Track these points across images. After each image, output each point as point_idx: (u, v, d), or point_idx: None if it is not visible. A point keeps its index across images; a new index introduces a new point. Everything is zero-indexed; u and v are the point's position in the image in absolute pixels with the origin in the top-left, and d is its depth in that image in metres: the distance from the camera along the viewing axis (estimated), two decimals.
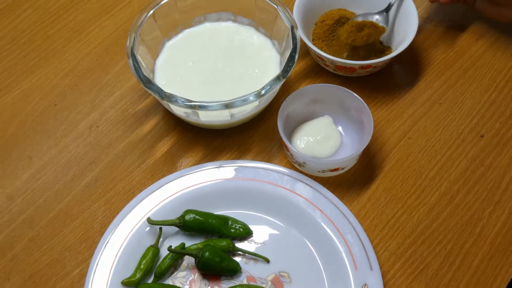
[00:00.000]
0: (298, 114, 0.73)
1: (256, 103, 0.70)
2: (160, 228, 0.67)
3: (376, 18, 0.78)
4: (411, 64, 0.81)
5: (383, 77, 0.80)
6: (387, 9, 0.78)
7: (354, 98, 0.70)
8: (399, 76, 0.81)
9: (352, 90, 0.70)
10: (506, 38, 0.82)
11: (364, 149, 0.68)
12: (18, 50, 0.85)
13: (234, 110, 0.70)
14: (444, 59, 0.82)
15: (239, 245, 0.68)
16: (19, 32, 0.87)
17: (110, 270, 0.65)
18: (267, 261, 0.67)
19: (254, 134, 0.77)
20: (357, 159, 0.71)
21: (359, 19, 0.77)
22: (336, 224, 0.67)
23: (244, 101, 0.67)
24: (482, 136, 0.75)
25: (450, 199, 0.71)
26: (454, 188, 0.72)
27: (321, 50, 0.77)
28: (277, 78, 0.69)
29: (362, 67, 0.75)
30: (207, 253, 0.64)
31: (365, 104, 0.69)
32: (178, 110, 0.71)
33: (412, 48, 0.82)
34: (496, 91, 0.79)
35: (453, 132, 0.76)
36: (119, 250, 0.66)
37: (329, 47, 0.80)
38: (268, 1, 0.76)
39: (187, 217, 0.67)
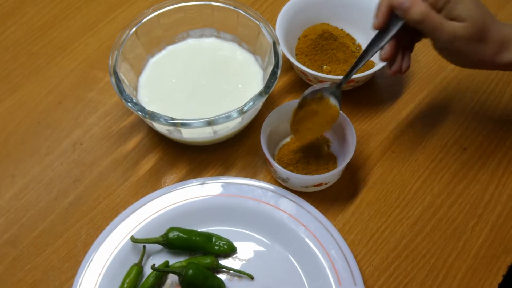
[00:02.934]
0: (281, 130, 0.73)
1: (239, 119, 0.70)
2: (144, 246, 0.67)
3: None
4: (394, 78, 0.82)
5: (366, 92, 0.80)
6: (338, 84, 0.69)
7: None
8: (382, 90, 0.81)
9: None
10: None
11: (348, 164, 0.68)
12: (1, 68, 0.85)
13: (217, 127, 0.70)
14: (427, 73, 0.82)
15: (223, 262, 0.68)
16: (2, 50, 0.87)
17: None
18: (251, 277, 0.67)
19: (238, 149, 0.77)
20: (340, 174, 0.71)
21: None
22: (320, 239, 0.67)
23: (227, 118, 0.68)
24: (465, 149, 0.76)
25: (434, 213, 0.71)
26: (437, 202, 0.72)
27: (304, 65, 0.77)
28: (260, 94, 0.69)
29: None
30: (190, 271, 0.64)
31: (348, 119, 0.69)
32: (161, 128, 0.71)
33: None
34: (478, 104, 0.79)
35: (436, 145, 0.76)
36: (103, 268, 0.66)
37: (313, 62, 0.80)
38: (250, 17, 0.76)
39: (171, 235, 0.67)
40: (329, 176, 0.68)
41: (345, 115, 0.70)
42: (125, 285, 0.65)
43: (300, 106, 0.68)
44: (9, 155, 0.77)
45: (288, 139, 0.75)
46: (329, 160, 0.72)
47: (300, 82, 0.82)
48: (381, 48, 0.65)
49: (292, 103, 0.71)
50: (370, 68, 0.76)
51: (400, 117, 0.79)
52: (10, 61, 0.86)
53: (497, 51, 0.62)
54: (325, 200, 0.72)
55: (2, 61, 0.86)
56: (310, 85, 0.80)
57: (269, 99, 0.79)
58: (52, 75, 0.84)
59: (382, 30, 0.64)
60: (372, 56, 0.65)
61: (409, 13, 0.61)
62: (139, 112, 0.68)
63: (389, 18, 0.63)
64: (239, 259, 0.68)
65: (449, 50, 0.63)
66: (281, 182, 0.72)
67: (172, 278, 0.67)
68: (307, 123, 0.69)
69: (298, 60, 0.79)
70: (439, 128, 0.78)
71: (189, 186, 0.71)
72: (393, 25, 0.63)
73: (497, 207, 0.71)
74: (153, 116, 0.67)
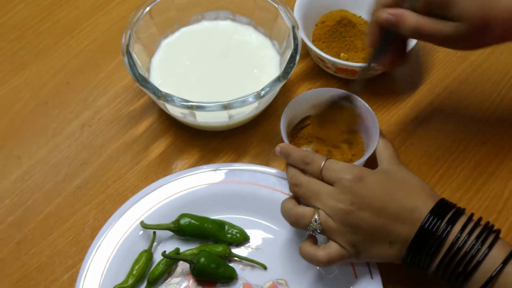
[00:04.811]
0: (298, 119, 0.71)
1: (255, 104, 0.68)
2: (154, 233, 0.65)
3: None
4: (413, 68, 0.80)
5: (384, 81, 0.78)
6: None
7: (360, 104, 0.68)
8: (401, 80, 0.79)
9: (352, 94, 0.68)
10: (509, 42, 0.80)
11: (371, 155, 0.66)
12: (8, 46, 0.82)
13: (233, 112, 0.67)
14: (447, 64, 0.80)
15: (235, 250, 0.66)
16: (9, 28, 0.84)
17: (101, 275, 0.62)
18: (264, 268, 0.65)
19: (252, 136, 0.74)
20: (363, 164, 0.69)
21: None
22: None
23: (243, 102, 0.65)
24: (485, 143, 0.74)
25: None
26: (456, 196, 0.70)
27: (322, 51, 0.75)
28: (278, 79, 0.67)
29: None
30: (202, 259, 0.62)
31: (371, 110, 0.67)
32: (175, 111, 0.69)
33: (414, 52, 0.80)
34: (499, 97, 0.77)
35: (455, 139, 0.74)
36: (111, 254, 0.64)
37: (330, 49, 0.78)
38: (269, 0, 0.74)
39: (182, 221, 0.65)
40: (355, 165, 0.66)
41: (368, 106, 0.67)
42: (134, 272, 0.63)
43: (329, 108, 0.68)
44: (15, 136, 0.74)
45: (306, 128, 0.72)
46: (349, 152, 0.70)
47: (316, 69, 0.80)
48: (380, 61, 0.63)
49: (310, 92, 0.69)
50: None
51: (418, 108, 0.77)
52: (16, 39, 0.83)
53: (508, 28, 0.58)
54: None
55: (8, 40, 0.83)
56: (327, 73, 0.78)
57: (284, 86, 0.77)
58: (60, 55, 0.82)
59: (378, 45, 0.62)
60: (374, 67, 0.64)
61: (400, 28, 0.58)
62: (153, 93, 0.66)
63: (381, 34, 0.61)
64: (252, 248, 0.66)
65: (451, 45, 0.61)
66: None
67: (182, 266, 0.65)
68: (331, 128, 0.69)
69: (315, 46, 0.77)
70: (458, 121, 0.76)
71: (201, 172, 0.69)
72: (388, 38, 0.61)
73: None
74: (167, 97, 0.65)
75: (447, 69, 0.80)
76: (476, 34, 0.57)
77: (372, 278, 0.62)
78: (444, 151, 0.73)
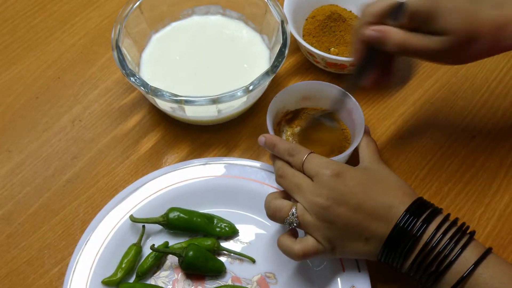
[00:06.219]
0: (287, 111, 0.72)
1: (244, 98, 0.68)
2: (143, 226, 0.65)
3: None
4: (403, 62, 0.80)
5: None
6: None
7: (349, 100, 0.68)
8: None
9: (342, 88, 0.69)
10: None
11: (355, 149, 0.66)
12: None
13: (222, 106, 0.68)
14: None
15: (224, 244, 0.66)
16: (1, 22, 0.85)
17: (91, 269, 0.63)
18: (253, 261, 0.65)
19: (242, 130, 0.75)
20: (346, 159, 0.69)
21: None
22: None
23: (232, 96, 0.66)
24: (474, 137, 0.74)
25: (441, 200, 0.70)
26: (444, 189, 0.70)
27: (312, 46, 0.75)
28: (266, 73, 0.67)
29: (353, 64, 0.73)
30: (191, 253, 0.62)
31: (357, 103, 0.67)
32: (164, 105, 0.69)
33: None
34: (488, 91, 0.77)
35: (444, 132, 0.74)
36: (100, 248, 0.64)
37: (320, 43, 0.78)
38: None
39: (171, 215, 0.65)
40: (336, 160, 0.66)
41: (354, 100, 0.68)
42: (123, 265, 0.63)
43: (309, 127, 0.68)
44: (6, 130, 0.75)
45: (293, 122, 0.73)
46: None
47: (306, 64, 0.80)
48: (364, 77, 0.63)
49: (300, 84, 0.70)
50: None
51: (408, 102, 0.77)
52: (8, 33, 0.83)
53: (494, 40, 0.57)
54: None
55: (0, 34, 0.83)
56: (317, 67, 0.79)
57: (274, 80, 0.77)
58: (52, 50, 0.82)
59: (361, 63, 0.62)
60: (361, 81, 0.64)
61: (385, 45, 0.58)
62: (142, 88, 0.66)
63: (366, 51, 0.60)
64: (241, 241, 0.67)
65: (439, 61, 0.61)
66: None
67: (171, 259, 0.65)
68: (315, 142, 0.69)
69: (305, 41, 0.77)
70: (448, 114, 0.76)
71: (191, 166, 0.69)
72: (372, 56, 0.61)
73: (505, 197, 0.70)
74: (156, 92, 0.65)
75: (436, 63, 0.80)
76: (463, 47, 0.57)
77: (359, 271, 0.62)
78: (433, 144, 0.74)
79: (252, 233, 0.67)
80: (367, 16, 0.58)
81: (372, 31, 0.58)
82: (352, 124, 0.69)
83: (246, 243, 0.66)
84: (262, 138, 0.63)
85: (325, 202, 0.56)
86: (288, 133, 0.71)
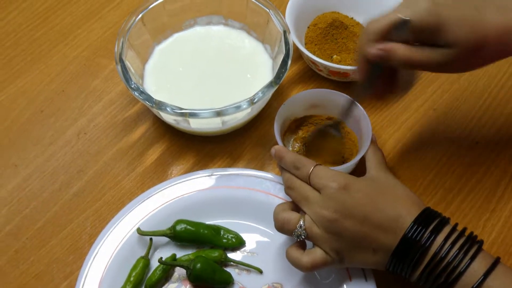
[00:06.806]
0: (292, 120, 0.72)
1: (248, 110, 0.68)
2: (151, 239, 0.66)
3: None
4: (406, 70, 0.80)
5: None
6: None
7: (356, 108, 0.69)
8: None
9: (350, 97, 0.69)
10: None
11: (362, 157, 0.67)
12: (3, 54, 0.83)
13: (226, 118, 0.68)
14: None
15: (231, 255, 0.66)
16: (3, 36, 0.85)
17: (99, 282, 0.63)
18: (260, 272, 0.65)
19: (246, 140, 0.75)
20: (353, 167, 0.70)
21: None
22: None
23: (237, 108, 0.66)
24: (477, 143, 0.74)
25: (445, 207, 0.70)
26: (449, 196, 0.71)
27: (314, 54, 0.76)
28: (270, 84, 0.68)
29: (358, 80, 0.73)
30: (199, 265, 0.63)
31: (365, 112, 0.67)
32: (168, 117, 0.70)
33: None
34: (491, 97, 0.78)
35: (447, 139, 0.75)
36: (108, 261, 0.64)
37: (322, 51, 0.78)
38: (260, 4, 0.74)
39: (178, 227, 0.65)
40: (342, 169, 0.67)
41: (361, 108, 0.68)
42: (132, 278, 0.63)
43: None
44: (12, 145, 0.75)
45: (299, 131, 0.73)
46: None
47: (309, 72, 0.80)
48: (370, 90, 0.63)
49: (308, 92, 0.70)
50: None
51: (411, 109, 0.77)
52: (11, 47, 0.84)
53: (501, 44, 0.56)
54: None
55: (3, 48, 0.84)
56: (320, 75, 0.79)
57: (278, 89, 0.77)
58: (55, 63, 0.82)
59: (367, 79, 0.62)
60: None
61: (391, 62, 0.57)
62: (146, 102, 0.66)
63: (370, 68, 0.60)
64: (248, 252, 0.67)
65: (445, 71, 0.61)
66: None
67: (179, 272, 0.66)
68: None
69: (307, 49, 0.77)
70: (451, 120, 0.76)
71: (196, 178, 0.69)
72: (377, 72, 0.60)
73: (510, 202, 0.70)
74: (161, 105, 0.66)
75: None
76: (470, 56, 0.57)
77: (366, 280, 0.63)
78: (437, 151, 0.74)
79: (258, 243, 0.67)
80: (371, 34, 0.58)
81: (377, 50, 0.57)
82: (359, 133, 0.69)
83: (253, 253, 0.67)
84: (273, 150, 0.64)
85: (332, 215, 0.57)
86: (296, 140, 0.71)
